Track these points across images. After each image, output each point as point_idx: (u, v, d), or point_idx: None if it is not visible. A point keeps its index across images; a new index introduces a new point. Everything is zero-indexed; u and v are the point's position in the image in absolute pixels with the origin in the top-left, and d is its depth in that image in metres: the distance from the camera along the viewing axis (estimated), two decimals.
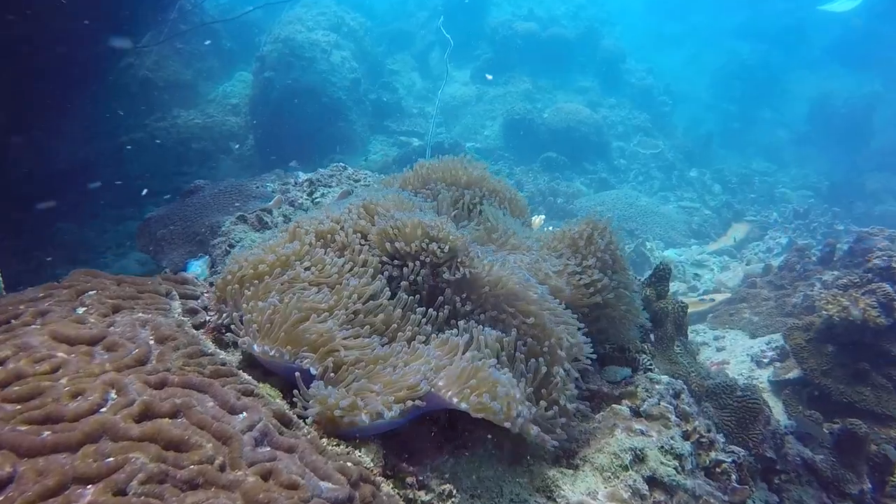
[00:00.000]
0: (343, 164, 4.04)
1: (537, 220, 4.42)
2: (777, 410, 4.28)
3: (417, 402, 1.56)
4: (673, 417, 2.01)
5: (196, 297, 2.03)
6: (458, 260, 2.06)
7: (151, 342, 1.32)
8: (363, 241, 2.11)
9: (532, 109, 14.13)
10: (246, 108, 13.84)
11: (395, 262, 2.07)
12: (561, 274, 2.23)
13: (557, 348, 1.91)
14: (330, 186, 3.80)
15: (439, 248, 2.02)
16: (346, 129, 14.38)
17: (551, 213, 10.66)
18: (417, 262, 2.02)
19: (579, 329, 2.00)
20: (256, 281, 1.83)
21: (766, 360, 5.08)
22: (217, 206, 3.61)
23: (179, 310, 1.74)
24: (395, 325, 1.85)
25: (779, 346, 5.10)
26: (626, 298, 2.35)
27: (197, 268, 3.24)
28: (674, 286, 8.10)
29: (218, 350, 1.72)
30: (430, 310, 1.93)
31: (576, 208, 10.70)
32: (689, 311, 6.89)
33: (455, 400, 1.61)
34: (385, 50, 17.66)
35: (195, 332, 1.52)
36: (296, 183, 3.89)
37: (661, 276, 3.19)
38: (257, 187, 3.77)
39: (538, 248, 2.51)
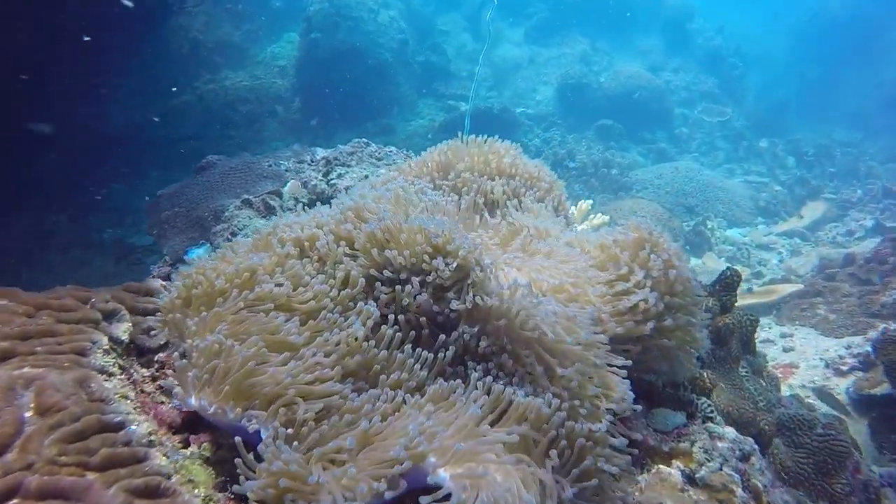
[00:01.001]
0: (366, 141, 3.64)
1: (583, 205, 3.90)
2: (858, 430, 3.70)
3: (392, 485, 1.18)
4: (739, 492, 1.56)
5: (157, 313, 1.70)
6: (470, 282, 1.64)
7: (28, 415, 0.99)
8: (348, 251, 1.71)
9: (588, 73, 13.21)
10: (293, 70, 13.58)
11: (386, 276, 1.67)
12: (604, 298, 1.77)
13: (598, 410, 1.47)
14: (349, 166, 3.41)
15: (445, 264, 1.60)
16: (392, 92, 13.92)
17: (604, 184, 9.96)
18: (415, 282, 1.61)
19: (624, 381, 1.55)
20: (208, 302, 1.47)
21: (845, 368, 4.45)
22: (224, 187, 3.29)
23: (105, 346, 1.40)
24: (378, 368, 1.46)
25: (862, 353, 4.45)
26: (688, 327, 1.87)
27: (197, 256, 2.95)
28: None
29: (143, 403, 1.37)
30: (425, 352, 1.52)
31: (631, 181, 9.96)
32: (747, 301, 6.23)
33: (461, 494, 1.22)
34: (434, 10, 16.91)
35: (105, 387, 1.18)
36: (312, 161, 3.51)
37: (728, 284, 2.66)
38: (269, 166, 3.42)
39: (578, 257, 2.04)
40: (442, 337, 1.57)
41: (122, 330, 1.59)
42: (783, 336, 5.41)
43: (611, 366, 1.59)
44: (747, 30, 18.02)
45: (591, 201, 3.70)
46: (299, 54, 13.77)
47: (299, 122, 12.98)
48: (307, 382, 1.32)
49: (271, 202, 3.05)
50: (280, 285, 1.54)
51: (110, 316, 1.61)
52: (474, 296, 1.58)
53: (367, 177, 3.36)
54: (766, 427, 2.36)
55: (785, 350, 5.17)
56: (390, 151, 3.65)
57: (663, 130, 12.61)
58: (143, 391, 1.47)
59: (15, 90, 8.24)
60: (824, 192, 10.00)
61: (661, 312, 1.79)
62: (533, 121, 12.73)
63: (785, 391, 4.50)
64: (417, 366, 1.47)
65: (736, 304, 2.78)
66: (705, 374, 2.28)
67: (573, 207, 3.94)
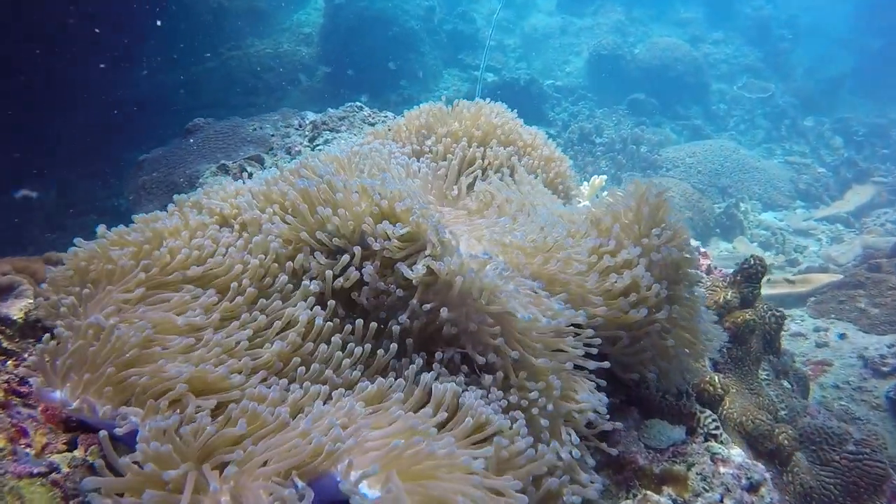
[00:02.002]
0: (359, 105, 3.35)
1: (597, 180, 3.53)
2: None
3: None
4: None
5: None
6: (428, 254, 1.36)
7: None
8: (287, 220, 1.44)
9: (622, 44, 12.54)
10: (317, 38, 13.31)
11: (322, 247, 1.40)
12: (587, 274, 1.46)
13: (561, 417, 1.19)
14: (338, 131, 3.13)
15: (393, 231, 1.32)
16: (416, 61, 13.52)
17: (632, 162, 9.45)
18: (355, 251, 1.34)
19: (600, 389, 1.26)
20: (105, 279, 1.23)
21: (886, 369, 4.05)
22: (206, 151, 3.06)
23: None
24: (298, 360, 1.21)
25: None
26: (691, 321, 1.56)
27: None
28: (768, 258, 6.90)
29: None
30: (359, 348, 1.25)
31: (661, 159, 9.44)
32: (779, 291, 5.77)
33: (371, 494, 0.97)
34: None
35: None
36: (300, 125, 3.25)
37: (751, 275, 2.32)
38: (254, 129, 3.17)
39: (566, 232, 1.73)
40: (374, 325, 1.30)
41: (18, 308, 1.38)
42: (817, 330, 4.99)
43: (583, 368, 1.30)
44: None
45: (605, 177, 3.35)
46: (324, 21, 13.47)
47: (322, 90, 12.73)
48: (205, 373, 1.08)
49: (249, 168, 2.81)
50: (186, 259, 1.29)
51: (5, 292, 1.40)
52: (429, 265, 1.30)
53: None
54: (787, 442, 2.04)
55: (818, 345, 4.76)
56: (385, 116, 3.35)
57: (699, 106, 11.93)
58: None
59: (38, 54, 8.20)
60: (874, 176, 9.29)
61: (658, 300, 1.48)
62: (561, 93, 12.19)
63: (814, 391, 4.12)
64: (347, 360, 1.22)
65: (761, 297, 2.44)
66: (716, 378, 1.97)
67: (585, 183, 3.59)
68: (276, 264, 1.36)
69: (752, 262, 2.33)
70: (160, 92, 11.34)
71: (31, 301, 1.42)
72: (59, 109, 9.09)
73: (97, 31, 8.88)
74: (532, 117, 11.92)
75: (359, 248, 1.36)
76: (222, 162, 2.84)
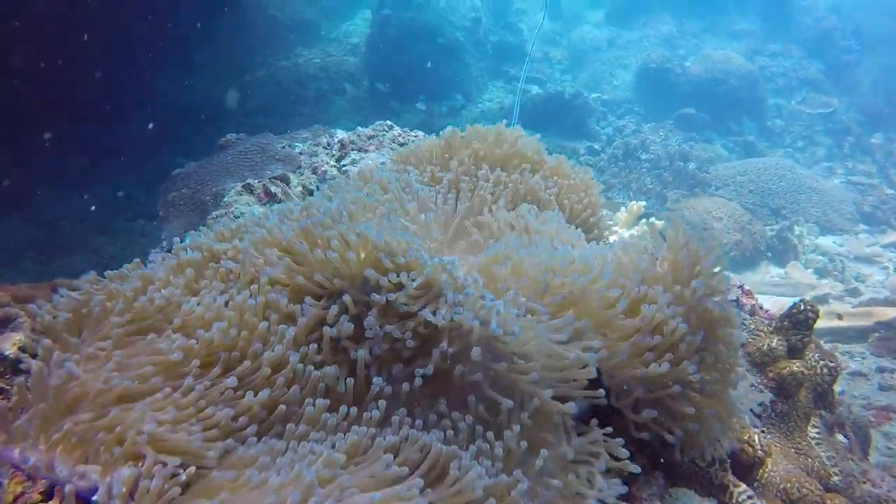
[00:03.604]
0: (389, 123, 3.29)
1: (635, 206, 3.35)
2: None
3: None
4: None
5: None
6: (450, 301, 1.26)
7: None
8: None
9: (672, 57, 12.17)
10: (364, 48, 13.50)
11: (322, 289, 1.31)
12: (610, 317, 1.32)
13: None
14: (366, 151, 3.07)
15: (410, 279, 1.22)
16: (461, 72, 13.52)
17: (679, 179, 9.10)
18: (348, 299, 1.25)
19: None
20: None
21: None
22: (234, 168, 3.06)
23: None
24: (284, 410, 1.11)
25: None
26: (723, 387, 1.39)
27: None
28: (825, 286, 6.47)
29: None
30: (349, 409, 1.14)
31: (710, 177, 9.05)
32: (836, 324, 5.37)
33: None
34: None
35: None
36: (328, 144, 3.21)
37: (800, 322, 2.11)
38: (283, 147, 3.15)
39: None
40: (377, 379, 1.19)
41: (11, 343, 1.34)
42: (881, 370, 4.61)
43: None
44: (872, 4, 15.89)
45: (643, 203, 3.17)
46: (370, 32, 13.66)
47: (367, 100, 12.88)
48: (171, 436, 1.00)
49: (273, 188, 2.77)
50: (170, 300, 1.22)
51: (2, 325, 1.37)
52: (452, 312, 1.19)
53: (384, 164, 3.02)
54: None
55: (881, 388, 4.39)
56: (415, 136, 3.28)
57: (753, 122, 11.43)
58: None
59: (93, 63, 8.55)
60: None
61: (687, 352, 1.33)
62: (607, 107, 11.92)
63: (877, 441, 3.78)
64: (333, 420, 1.12)
65: (812, 344, 2.22)
66: (756, 438, 1.78)
67: (623, 209, 3.41)
68: (271, 310, 1.28)
69: (803, 307, 2.12)
70: (210, 100, 11.70)
71: (28, 335, 1.40)
72: (115, 117, 9.46)
73: (157, 37, 9.23)
74: (576, 131, 11.70)
75: (348, 297, 1.26)
76: (248, 181, 2.82)
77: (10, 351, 1.34)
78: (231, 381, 1.12)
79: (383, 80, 12.64)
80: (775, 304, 5.92)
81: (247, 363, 1.15)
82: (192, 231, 2.91)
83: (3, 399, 1.28)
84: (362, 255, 1.28)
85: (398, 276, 1.26)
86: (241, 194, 2.78)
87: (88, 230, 8.35)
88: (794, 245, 7.24)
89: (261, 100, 12.30)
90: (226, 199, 2.78)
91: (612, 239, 2.91)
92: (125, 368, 1.05)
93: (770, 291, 6.30)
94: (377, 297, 1.24)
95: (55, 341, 1.12)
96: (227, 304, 1.33)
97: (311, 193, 2.92)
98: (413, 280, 1.24)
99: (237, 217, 2.70)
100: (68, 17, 7.72)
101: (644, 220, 3.41)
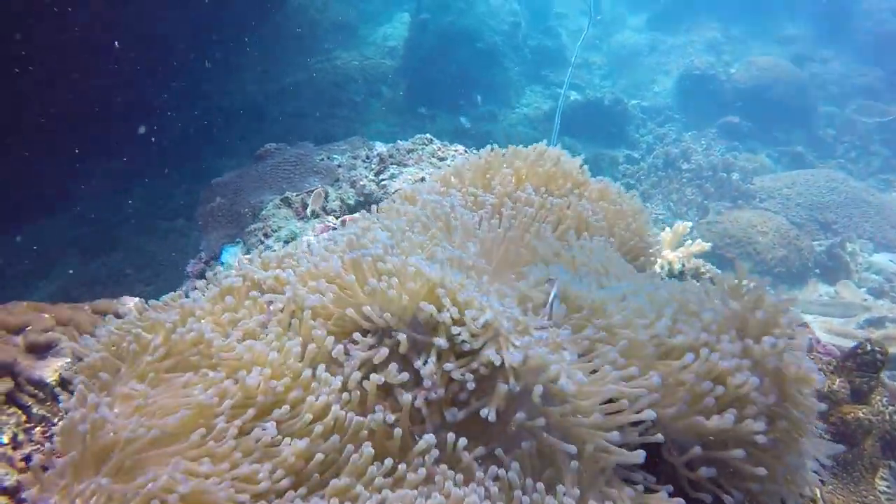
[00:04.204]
0: (429, 137, 3.24)
1: (680, 227, 3.23)
2: None
3: None
4: None
5: None
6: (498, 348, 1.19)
7: None
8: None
9: (716, 63, 11.83)
10: (402, 52, 13.55)
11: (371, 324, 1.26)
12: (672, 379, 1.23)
13: None
14: (405, 165, 3.03)
15: (472, 320, 1.16)
16: (499, 77, 13.45)
17: (722, 190, 8.81)
18: (409, 338, 1.19)
19: None
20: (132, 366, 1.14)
21: None
22: (272, 180, 3.05)
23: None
24: (323, 460, 1.06)
25: None
26: (791, 447, 1.28)
27: (231, 256, 2.73)
28: (882, 308, 6.14)
29: None
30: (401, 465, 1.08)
31: (754, 188, 8.73)
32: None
33: None
34: None
35: None
36: (367, 157, 3.18)
37: (866, 363, 1.96)
38: (321, 160, 3.13)
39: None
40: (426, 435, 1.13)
41: (52, 369, 1.33)
42: None
43: None
44: None
45: (689, 224, 3.04)
46: (408, 35, 13.71)
47: (403, 104, 12.91)
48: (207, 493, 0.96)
49: (310, 203, 2.75)
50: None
51: (44, 349, 1.36)
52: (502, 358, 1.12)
53: (423, 179, 2.97)
54: None
55: None
56: (455, 150, 3.22)
57: (802, 131, 10.99)
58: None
59: (138, 62, 8.77)
60: None
61: (757, 410, 1.22)
62: (647, 114, 11.65)
63: None
64: (377, 472, 1.06)
65: (880, 387, 2.07)
66: (818, 493, 1.66)
67: (668, 228, 3.28)
68: (314, 346, 1.23)
69: (869, 347, 1.97)
70: (251, 102, 11.91)
71: (69, 360, 1.38)
72: (157, 116, 9.68)
73: (203, 39, 9.43)
74: (615, 138, 11.47)
75: (403, 337, 1.19)
76: (286, 194, 2.81)
77: (52, 378, 1.33)
78: (271, 428, 1.08)
79: (419, 84, 12.65)
80: (824, 325, 5.66)
81: (286, 408, 1.10)
82: (230, 244, 2.93)
83: (44, 428, 1.26)
84: (418, 289, 1.22)
85: (459, 313, 1.20)
86: (279, 207, 2.77)
87: (130, 229, 8.57)
88: (845, 262, 6.91)
89: (299, 102, 12.45)
90: (263, 211, 2.78)
91: (657, 265, 2.80)
92: (158, 412, 1.01)
93: (818, 311, 6.02)
94: (441, 341, 1.17)
95: (91, 378, 1.09)
96: (268, 337, 1.29)
97: (349, 208, 2.89)
98: (475, 319, 1.18)
99: (275, 231, 2.69)
100: (113, 17, 7.90)
101: (689, 241, 3.29)
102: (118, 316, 1.57)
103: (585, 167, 2.18)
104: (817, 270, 7.06)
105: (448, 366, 1.18)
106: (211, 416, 1.07)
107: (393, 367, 1.16)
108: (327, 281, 1.32)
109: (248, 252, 2.69)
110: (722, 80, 11.41)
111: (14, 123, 7.71)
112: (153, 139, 9.82)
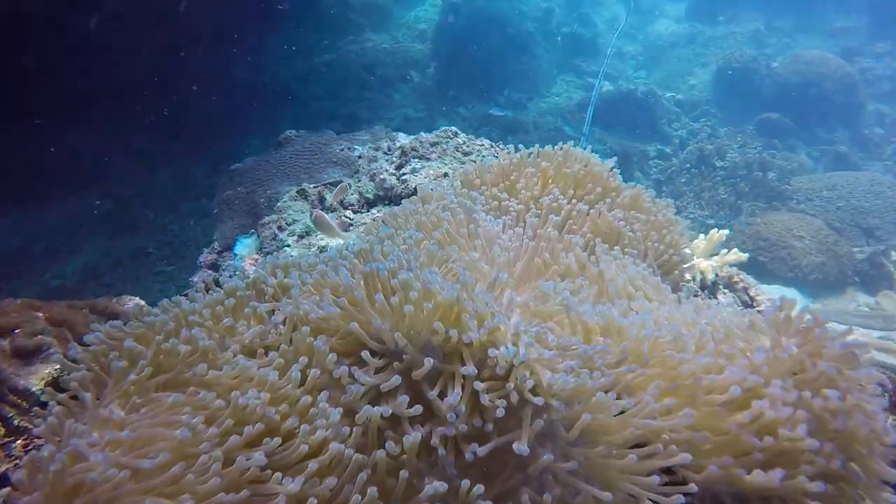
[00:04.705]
0: (454, 130, 3.09)
1: (716, 235, 3.03)
2: None
3: None
4: None
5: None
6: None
7: None
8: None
9: (758, 56, 11.35)
10: (432, 35, 13.36)
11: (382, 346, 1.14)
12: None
13: None
14: (428, 159, 2.90)
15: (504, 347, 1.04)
16: (530, 64, 13.16)
17: (756, 190, 8.47)
18: (422, 362, 1.07)
19: None
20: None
21: None
22: (289, 170, 2.95)
23: None
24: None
25: None
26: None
27: (245, 248, 2.64)
28: None
29: None
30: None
31: (792, 189, 8.37)
32: None
33: None
34: None
35: None
36: (389, 149, 3.05)
37: None
38: (341, 150, 3.02)
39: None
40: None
41: (39, 377, 1.25)
42: None
43: None
44: None
45: (726, 232, 2.85)
46: (439, 19, 13.49)
47: (432, 88, 12.74)
48: None
49: (328, 196, 2.64)
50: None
51: (31, 354, 1.28)
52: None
53: (446, 174, 2.83)
54: None
55: None
56: (481, 145, 3.07)
57: (847, 130, 10.51)
58: None
59: (170, 42, 8.76)
60: None
61: (814, 473, 1.08)
62: (682, 108, 11.27)
63: None
64: None
65: None
66: None
67: (702, 236, 3.10)
68: (317, 369, 1.11)
69: None
70: (280, 82, 11.86)
71: (58, 367, 1.30)
72: (184, 95, 9.67)
73: (233, 18, 9.37)
74: (647, 132, 11.12)
75: (430, 362, 1.07)
76: (303, 186, 2.70)
77: (38, 386, 1.25)
78: (259, 457, 0.97)
79: (449, 68, 12.45)
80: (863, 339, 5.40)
81: (277, 439, 0.99)
82: (244, 235, 2.84)
83: (26, 441, 1.19)
84: (436, 308, 1.10)
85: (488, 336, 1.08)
86: (294, 199, 2.67)
87: (156, 209, 8.62)
88: (888, 272, 6.58)
89: (328, 84, 12.36)
90: (279, 203, 2.68)
91: (687, 275, 2.63)
92: (136, 443, 0.92)
93: (857, 323, 5.73)
94: (469, 369, 1.05)
95: (73, 396, 1.00)
96: (266, 353, 1.18)
97: (368, 202, 2.78)
98: (508, 349, 1.05)
99: (289, 224, 2.59)
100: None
101: (725, 250, 3.10)
102: (115, 317, 1.49)
103: (616, 171, 2.03)
104: (856, 279, 6.74)
105: (478, 385, 1.06)
106: (195, 444, 0.97)
107: (403, 400, 1.04)
108: (334, 294, 1.20)
109: (261, 245, 2.60)
110: (763, 75, 10.95)
111: (46, 100, 7.78)
112: (179, 118, 9.84)
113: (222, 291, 1.34)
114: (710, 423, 1.12)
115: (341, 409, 1.03)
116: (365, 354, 1.06)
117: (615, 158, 2.01)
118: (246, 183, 3.02)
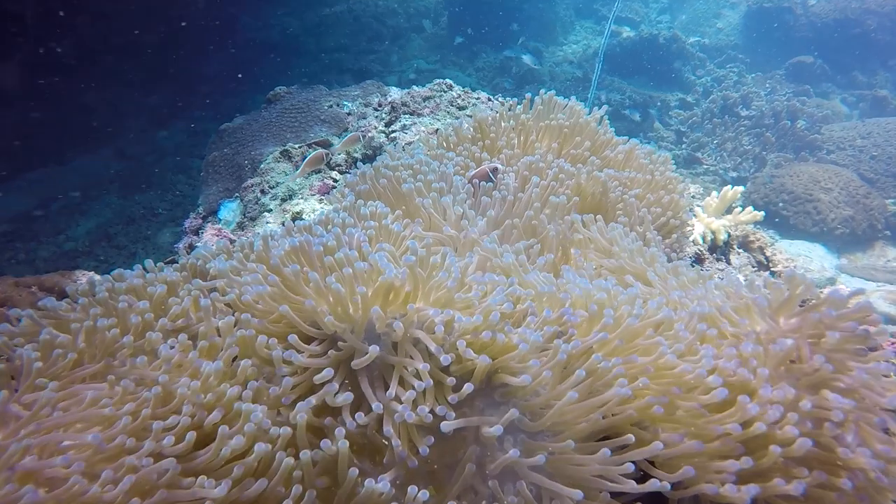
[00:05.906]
0: (449, 83, 2.91)
1: (729, 192, 2.83)
2: None
3: None
4: None
5: None
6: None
7: None
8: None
9: None
10: None
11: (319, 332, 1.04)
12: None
13: None
14: (419, 115, 2.73)
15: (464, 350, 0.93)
16: (546, 11, 12.57)
17: (783, 140, 8.04)
18: (370, 350, 0.97)
19: None
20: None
21: None
22: (276, 129, 2.81)
23: None
24: None
25: None
26: None
27: (229, 212, 2.55)
28: None
29: None
30: None
31: (822, 138, 7.92)
32: None
33: None
34: None
35: None
36: (379, 105, 2.88)
37: None
38: (330, 106, 2.86)
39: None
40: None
41: None
42: None
43: None
44: None
45: (740, 188, 2.66)
46: None
47: (445, 38, 12.31)
48: None
49: (311, 155, 2.51)
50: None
51: None
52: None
53: (437, 130, 2.67)
54: None
55: None
56: (477, 98, 2.88)
57: (890, 73, 9.85)
58: None
59: None
60: None
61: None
62: (707, 53, 10.67)
63: None
64: None
65: None
66: None
67: (714, 192, 2.90)
68: (249, 359, 1.02)
69: None
70: (289, 36, 11.55)
71: None
72: (196, 53, 9.48)
73: None
74: (668, 80, 10.59)
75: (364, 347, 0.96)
76: (287, 146, 2.57)
77: None
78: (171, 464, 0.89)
79: (462, 17, 11.96)
80: (889, 296, 5.15)
81: (192, 433, 0.91)
82: (228, 199, 2.74)
83: None
84: (377, 290, 0.99)
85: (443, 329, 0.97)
86: (278, 161, 2.55)
87: (168, 167, 8.59)
88: None
89: (338, 36, 12.02)
90: (262, 165, 2.56)
91: (694, 233, 2.46)
92: (44, 448, 0.84)
93: (884, 279, 5.49)
94: (422, 365, 0.94)
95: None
96: (194, 339, 1.09)
97: (354, 163, 2.64)
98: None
99: (272, 187, 2.48)
100: None
101: (738, 208, 2.90)
102: (62, 296, 1.41)
103: (607, 121, 1.85)
104: (887, 232, 6.42)
105: (445, 358, 0.96)
106: (111, 438, 0.89)
107: (348, 397, 0.94)
108: (269, 270, 1.09)
109: (245, 210, 2.50)
110: (797, 14, 10.25)
111: (61, 58, 7.68)
112: (191, 75, 9.68)
113: (157, 276, 1.23)
114: (695, 427, 1.00)
115: (265, 408, 0.93)
116: (293, 339, 0.96)
117: (606, 107, 1.83)
118: (233, 143, 2.90)
